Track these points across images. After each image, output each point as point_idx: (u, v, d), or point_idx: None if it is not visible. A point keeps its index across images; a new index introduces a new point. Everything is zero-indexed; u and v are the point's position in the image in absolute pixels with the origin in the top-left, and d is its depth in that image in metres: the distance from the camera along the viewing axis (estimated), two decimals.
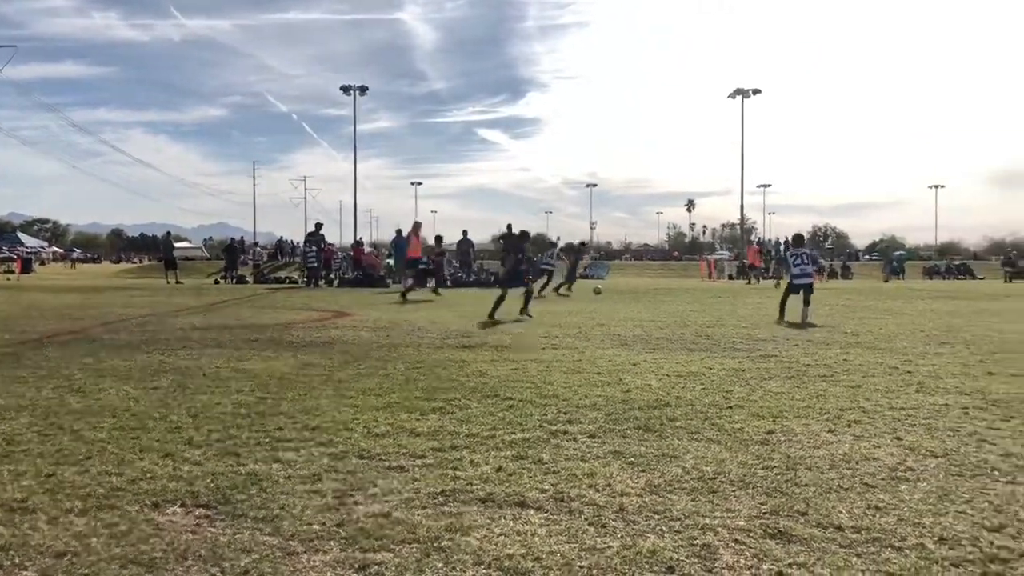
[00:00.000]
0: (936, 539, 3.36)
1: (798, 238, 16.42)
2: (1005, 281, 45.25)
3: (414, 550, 3.23)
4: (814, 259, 16.27)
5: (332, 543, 3.32)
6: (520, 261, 15.83)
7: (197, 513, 3.69)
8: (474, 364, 8.38)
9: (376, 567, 3.06)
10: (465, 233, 33.86)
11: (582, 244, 29.88)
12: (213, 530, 3.47)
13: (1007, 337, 11.43)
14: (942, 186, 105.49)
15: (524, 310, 14.86)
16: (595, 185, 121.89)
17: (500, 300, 14.69)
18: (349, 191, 69.52)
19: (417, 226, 27.95)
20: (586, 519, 3.61)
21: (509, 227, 32.84)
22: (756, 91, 69.05)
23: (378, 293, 24.51)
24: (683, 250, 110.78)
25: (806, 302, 14.50)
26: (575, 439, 5.10)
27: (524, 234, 16.72)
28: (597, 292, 24.55)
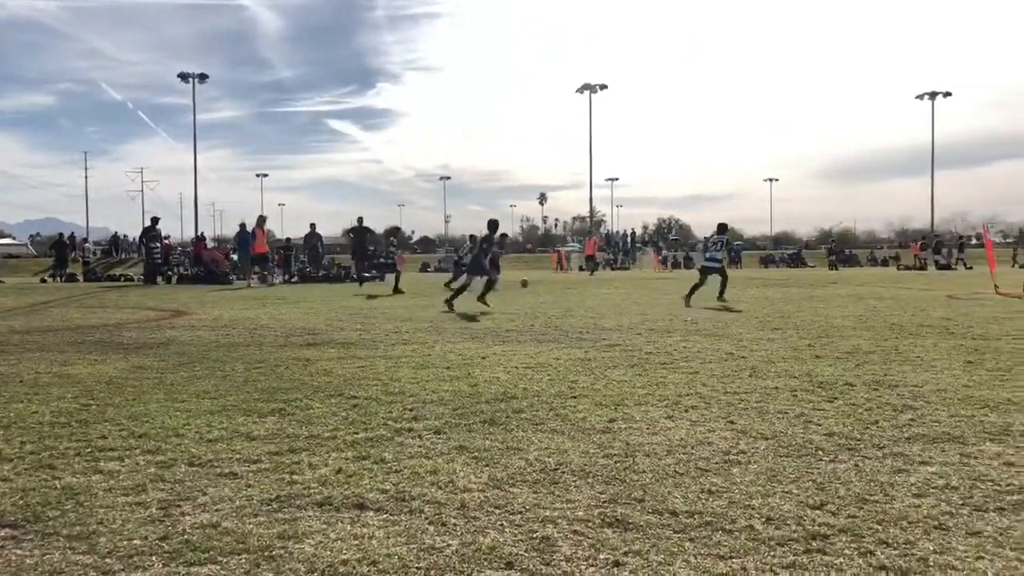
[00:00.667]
0: (764, 520, 3.48)
1: (722, 226, 18.21)
2: (830, 269, 48.53)
3: (243, 561, 3.06)
4: (726, 245, 18.32)
5: (154, 558, 3.10)
6: (486, 252, 16.03)
7: (2, 534, 3.37)
8: (319, 363, 8.15)
9: None
10: (313, 227, 33.04)
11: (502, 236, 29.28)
12: (19, 551, 3.18)
13: (833, 322, 12.16)
14: (776, 179, 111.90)
15: (482, 298, 15.48)
16: (449, 178, 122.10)
17: (461, 289, 15.35)
18: (190, 183, 66.53)
19: (261, 220, 27.09)
20: (426, 518, 3.54)
21: (360, 220, 32.36)
22: (603, 86, 70.98)
23: (221, 290, 23.58)
24: (536, 242, 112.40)
25: (721, 286, 17.01)
26: (420, 436, 5.02)
27: (494, 223, 16.69)
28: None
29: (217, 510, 3.64)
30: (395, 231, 34.78)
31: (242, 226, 29.63)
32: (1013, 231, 76.25)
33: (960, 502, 3.69)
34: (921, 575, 2.90)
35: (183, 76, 64.68)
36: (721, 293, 16.97)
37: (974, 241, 58.22)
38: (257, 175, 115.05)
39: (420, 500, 3.77)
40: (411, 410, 5.76)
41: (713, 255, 17.41)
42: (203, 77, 65.21)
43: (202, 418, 5.53)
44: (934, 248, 50.31)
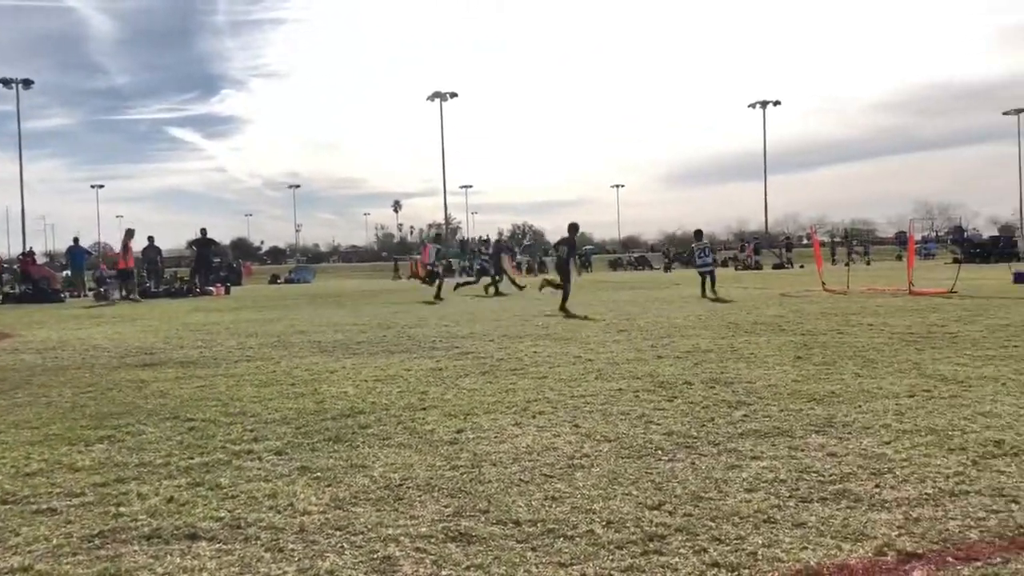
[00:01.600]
0: (604, 523, 3.53)
1: (698, 233, 21.09)
2: (664, 271, 50.74)
3: None
4: (712, 250, 21.41)
5: None
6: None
7: None
8: (154, 384, 7.74)
9: None
10: (151, 240, 31.42)
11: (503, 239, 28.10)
12: None
13: (675, 322, 12.62)
14: (622, 185, 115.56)
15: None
16: (298, 186, 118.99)
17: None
18: (16, 196, 62.14)
19: (130, 234, 25.93)
20: (262, 545, 3.39)
21: (203, 231, 31.14)
22: (453, 94, 71.32)
23: (52, 309, 22.08)
24: (392, 251, 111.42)
25: (711, 283, 19.45)
26: (260, 458, 4.83)
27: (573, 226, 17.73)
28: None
29: (30, 552, 3.37)
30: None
31: (75, 240, 27.98)
32: (839, 231, 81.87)
33: (788, 495, 3.87)
34: (751, 569, 3.01)
35: (5, 82, 60.59)
36: (712, 287, 19.54)
37: (804, 241, 61.91)
38: (92, 186, 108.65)
39: (256, 526, 3.62)
40: (252, 431, 5.54)
41: (704, 260, 20.00)
42: (27, 83, 61.35)
43: (19, 450, 5.13)
44: (754, 249, 53.58)
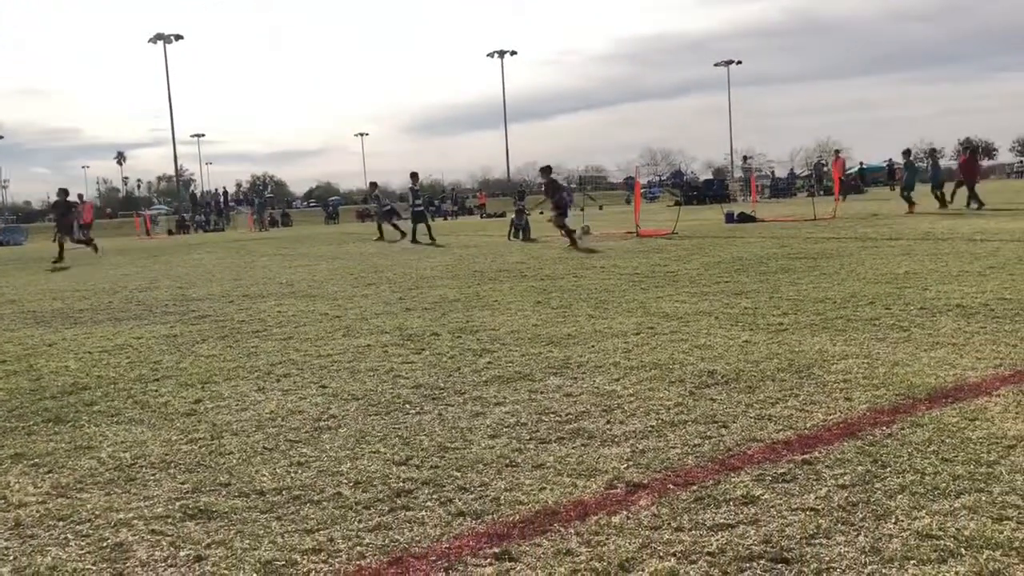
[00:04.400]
0: (352, 484, 3.52)
1: (414, 175, 23.47)
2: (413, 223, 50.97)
3: None
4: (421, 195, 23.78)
5: None
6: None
7: None
8: None
9: None
10: None
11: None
12: None
13: (423, 273, 12.73)
14: (367, 134, 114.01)
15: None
16: (1, 137, 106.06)
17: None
18: None
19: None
20: None
21: None
22: (179, 36, 66.51)
23: None
24: (117, 206, 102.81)
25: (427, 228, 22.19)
26: None
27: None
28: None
29: None
30: None
31: None
32: (574, 178, 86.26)
33: (528, 437, 4.05)
34: (493, 514, 3.12)
35: None
36: (429, 232, 22.06)
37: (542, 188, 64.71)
38: None
39: None
40: None
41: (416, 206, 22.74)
42: None
43: None
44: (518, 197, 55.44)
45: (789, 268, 10.49)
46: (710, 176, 67.00)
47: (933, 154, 29.95)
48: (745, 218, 22.37)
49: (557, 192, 18.09)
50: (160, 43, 65.59)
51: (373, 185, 29.30)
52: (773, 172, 69.46)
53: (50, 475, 3.83)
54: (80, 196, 35.35)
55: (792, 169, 74.65)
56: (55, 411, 5.01)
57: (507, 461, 3.72)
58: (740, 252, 13.16)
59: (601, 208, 52.58)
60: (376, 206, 26.61)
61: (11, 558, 2.95)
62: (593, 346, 6.18)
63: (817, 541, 2.73)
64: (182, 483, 3.63)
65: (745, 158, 69.36)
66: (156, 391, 5.43)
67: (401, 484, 3.49)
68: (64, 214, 22.37)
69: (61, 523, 3.25)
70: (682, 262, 12.11)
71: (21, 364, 6.63)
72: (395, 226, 24.60)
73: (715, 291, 8.82)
